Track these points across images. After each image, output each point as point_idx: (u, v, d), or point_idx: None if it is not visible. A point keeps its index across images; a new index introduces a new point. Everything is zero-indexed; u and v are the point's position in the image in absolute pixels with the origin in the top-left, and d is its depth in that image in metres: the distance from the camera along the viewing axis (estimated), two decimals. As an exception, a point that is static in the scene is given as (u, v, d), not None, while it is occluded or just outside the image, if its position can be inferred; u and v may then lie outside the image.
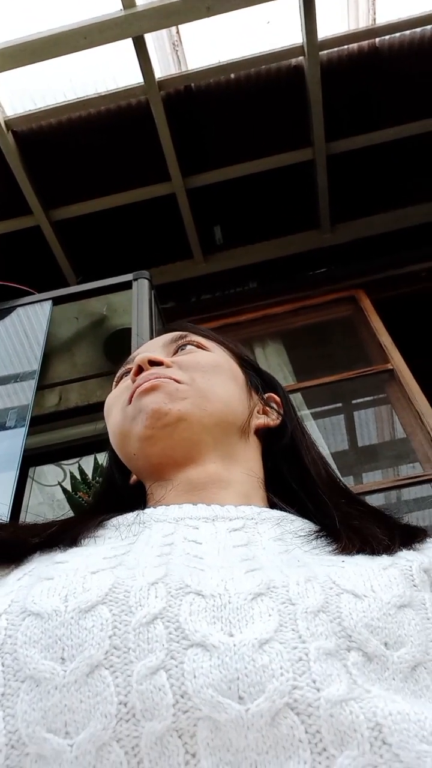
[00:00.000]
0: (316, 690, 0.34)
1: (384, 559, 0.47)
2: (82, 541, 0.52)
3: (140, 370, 0.65)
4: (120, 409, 0.65)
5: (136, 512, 0.56)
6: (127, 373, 0.70)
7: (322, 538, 0.53)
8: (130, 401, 0.63)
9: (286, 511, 0.59)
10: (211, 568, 0.43)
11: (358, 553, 0.49)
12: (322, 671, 0.34)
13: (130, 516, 0.55)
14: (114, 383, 0.73)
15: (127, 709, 0.34)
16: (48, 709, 0.35)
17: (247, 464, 0.64)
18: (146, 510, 0.56)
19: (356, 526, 0.54)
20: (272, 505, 0.62)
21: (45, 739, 0.34)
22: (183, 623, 0.37)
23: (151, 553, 0.45)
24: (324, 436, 2.51)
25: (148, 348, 0.73)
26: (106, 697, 0.34)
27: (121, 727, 0.34)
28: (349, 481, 2.52)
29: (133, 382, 0.65)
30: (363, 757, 0.32)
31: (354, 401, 2.77)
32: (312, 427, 2.41)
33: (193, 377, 0.64)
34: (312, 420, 2.45)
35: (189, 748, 0.33)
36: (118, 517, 0.56)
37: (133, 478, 0.69)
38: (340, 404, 2.76)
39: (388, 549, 0.49)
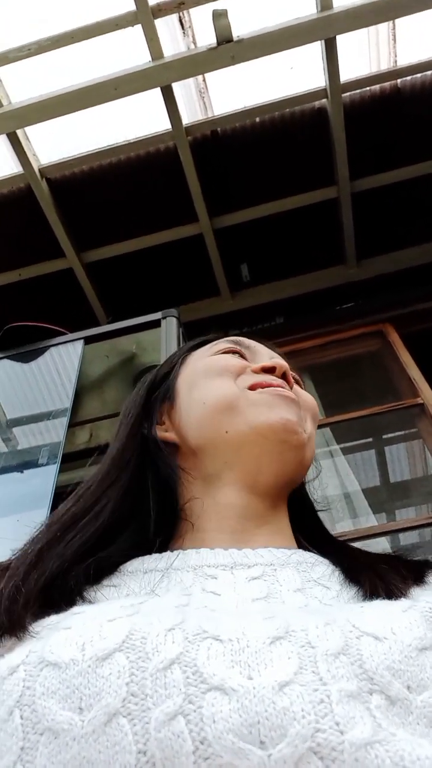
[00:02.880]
0: (340, 733, 0.32)
1: (403, 602, 0.45)
2: (102, 591, 0.51)
3: (272, 370, 0.64)
4: (232, 380, 0.63)
5: (154, 556, 0.55)
6: (236, 353, 0.68)
7: (344, 583, 0.52)
8: (252, 388, 0.62)
9: (308, 551, 0.58)
10: (228, 615, 0.42)
11: (377, 597, 0.48)
12: (345, 713, 0.33)
13: (149, 561, 0.54)
14: (209, 351, 0.69)
15: (146, 758, 0.33)
16: (67, 762, 0.34)
17: (285, 508, 0.63)
18: (164, 554, 0.54)
19: (378, 570, 0.53)
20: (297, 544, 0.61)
21: None
22: (201, 667, 0.36)
23: (169, 603, 0.45)
24: (354, 471, 2.48)
25: (270, 354, 0.71)
26: (124, 746, 0.34)
27: None
28: (381, 519, 2.47)
29: (264, 372, 0.64)
30: None
31: (384, 436, 2.74)
32: (342, 463, 2.38)
33: (307, 420, 0.63)
34: (342, 455, 2.42)
35: None
36: (135, 561, 0.55)
37: (170, 436, 0.65)
38: (370, 439, 2.73)
39: (406, 591, 0.48)
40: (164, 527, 0.60)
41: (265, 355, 0.70)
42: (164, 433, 0.66)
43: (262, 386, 0.61)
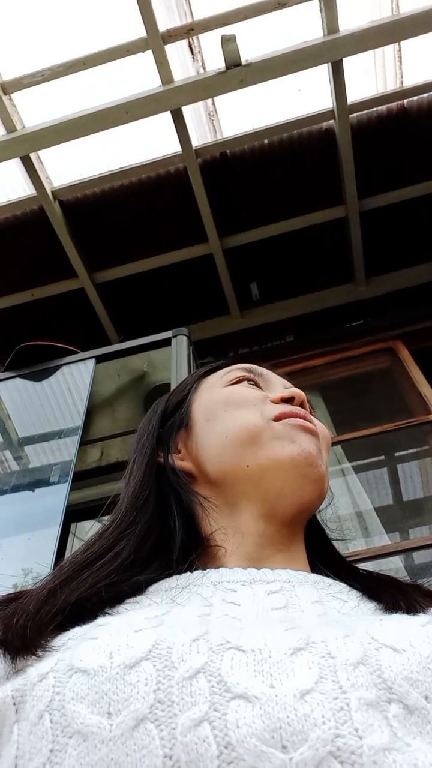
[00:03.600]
0: (359, 738, 0.34)
1: (421, 617, 0.46)
2: (123, 606, 0.52)
3: (290, 400, 0.65)
4: (257, 412, 0.63)
5: (175, 577, 0.55)
6: (250, 381, 0.68)
7: (362, 599, 0.53)
8: (277, 419, 0.62)
9: (323, 574, 0.59)
10: (250, 626, 0.43)
11: (396, 611, 0.49)
12: (363, 720, 0.35)
13: (170, 581, 0.55)
14: (224, 379, 0.69)
15: (172, 761, 0.34)
16: (95, 763, 0.35)
17: (302, 536, 0.64)
18: (182, 575, 0.55)
19: (399, 586, 0.54)
20: (312, 568, 0.62)
21: None
22: (225, 676, 0.37)
23: (191, 614, 0.46)
24: (366, 490, 2.46)
25: (283, 382, 0.71)
26: (151, 750, 0.35)
27: None
28: (395, 538, 2.44)
29: (283, 402, 0.64)
30: None
31: (397, 454, 2.72)
32: (354, 481, 2.37)
33: (323, 451, 0.63)
34: (353, 473, 2.41)
35: None
36: (156, 583, 0.56)
37: (187, 465, 0.65)
38: (382, 457, 2.71)
39: (426, 608, 0.49)
40: (187, 554, 0.60)
41: (278, 383, 0.71)
42: (181, 462, 0.66)
43: (287, 416, 0.62)
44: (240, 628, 0.42)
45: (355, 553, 1.85)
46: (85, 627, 0.46)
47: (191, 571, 0.56)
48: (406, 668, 0.38)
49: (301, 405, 0.66)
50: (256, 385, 0.68)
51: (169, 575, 0.56)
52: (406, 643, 0.40)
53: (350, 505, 2.27)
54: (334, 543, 0.72)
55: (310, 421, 0.63)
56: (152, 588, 0.55)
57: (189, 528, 0.61)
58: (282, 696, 0.36)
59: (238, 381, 0.68)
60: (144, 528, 0.60)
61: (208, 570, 0.55)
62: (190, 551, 0.60)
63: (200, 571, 0.55)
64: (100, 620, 0.47)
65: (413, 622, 0.44)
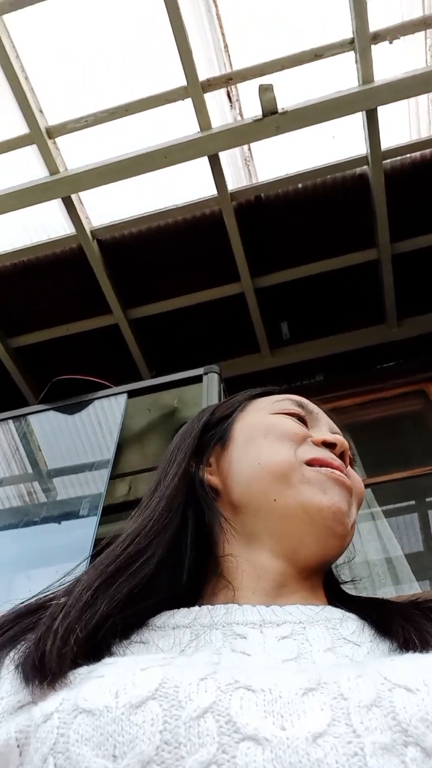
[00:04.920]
0: None
1: None
2: (131, 647, 0.51)
3: (332, 446, 0.63)
4: (292, 450, 0.61)
5: (182, 611, 0.54)
6: (298, 416, 0.66)
7: (375, 638, 0.51)
8: (309, 463, 0.60)
9: (337, 606, 0.57)
10: (260, 669, 0.42)
11: (411, 647, 0.47)
12: (379, 766, 0.33)
13: (177, 616, 0.54)
14: (274, 407, 0.68)
15: None
16: None
17: (321, 580, 0.62)
18: (192, 609, 0.54)
19: (410, 618, 0.52)
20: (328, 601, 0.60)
21: None
22: (234, 716, 0.36)
23: (199, 660, 0.44)
24: (397, 535, 2.41)
25: (330, 425, 0.70)
26: None
27: None
28: (425, 586, 2.37)
29: (324, 446, 0.62)
30: None
31: (428, 499, 2.66)
32: (383, 526, 2.32)
33: (353, 507, 0.62)
34: (383, 518, 2.36)
35: None
36: (163, 615, 0.54)
37: (214, 481, 0.63)
38: (413, 502, 2.65)
39: None
40: (197, 577, 0.58)
41: (325, 425, 0.69)
42: (209, 476, 0.64)
43: (321, 463, 0.60)
44: (250, 669, 0.41)
45: (385, 600, 1.80)
46: (90, 666, 0.45)
47: (199, 605, 0.54)
48: (421, 709, 0.36)
49: (342, 455, 0.64)
50: (303, 422, 0.67)
51: (177, 607, 0.55)
52: (420, 683, 0.38)
53: (380, 550, 2.22)
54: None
55: (347, 475, 0.61)
56: (159, 622, 0.53)
57: (201, 547, 0.60)
58: (294, 739, 0.34)
59: (288, 413, 0.66)
60: (171, 536, 0.58)
61: (216, 606, 0.54)
62: (200, 574, 0.59)
63: (208, 606, 0.54)
64: (107, 659, 0.46)
65: (426, 660, 0.42)
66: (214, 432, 0.68)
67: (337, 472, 0.60)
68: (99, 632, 0.48)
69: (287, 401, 0.69)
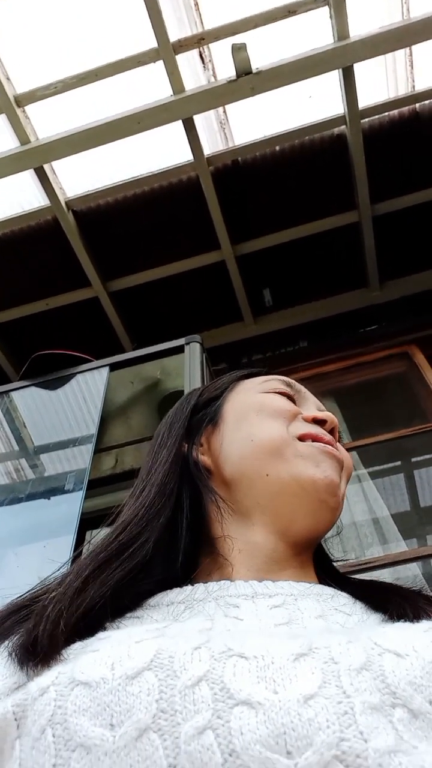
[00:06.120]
0: (364, 741, 0.33)
1: (423, 624, 0.46)
2: (124, 621, 0.52)
3: (322, 423, 0.64)
4: (285, 426, 0.62)
5: (176, 590, 0.55)
6: (288, 396, 0.68)
7: (367, 611, 0.53)
8: (301, 438, 0.61)
9: (329, 585, 0.58)
10: (252, 635, 0.43)
11: (402, 618, 0.49)
12: (368, 724, 0.34)
13: (171, 594, 0.55)
14: (262, 386, 0.69)
15: None
16: None
17: (311, 556, 0.63)
18: (185, 588, 0.55)
19: (403, 593, 0.53)
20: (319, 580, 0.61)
21: None
22: (228, 683, 0.37)
23: (192, 628, 0.45)
24: (383, 496, 2.44)
25: (317, 403, 0.71)
26: (155, 760, 0.35)
27: None
28: (412, 544, 2.42)
29: (314, 422, 0.64)
30: None
31: (413, 459, 2.70)
32: (370, 487, 2.35)
33: (343, 480, 0.63)
34: (370, 480, 2.39)
35: None
36: (157, 596, 0.55)
37: (206, 461, 0.64)
38: (398, 462, 2.69)
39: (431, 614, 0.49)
40: (192, 557, 0.60)
41: (313, 403, 0.70)
42: (202, 456, 0.65)
43: (314, 438, 0.61)
44: (243, 637, 0.42)
45: (372, 560, 1.83)
46: (85, 641, 0.46)
47: (193, 584, 0.55)
48: (409, 673, 0.37)
49: (332, 431, 0.65)
50: (292, 401, 0.68)
51: (171, 587, 0.56)
52: (410, 648, 0.39)
53: (366, 511, 2.25)
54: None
55: (336, 449, 0.62)
56: (153, 601, 0.54)
57: (195, 529, 0.61)
58: (285, 701, 0.35)
59: (276, 392, 0.68)
60: (166, 520, 0.59)
61: (209, 582, 0.55)
62: (195, 555, 0.60)
63: (202, 584, 0.55)
64: (100, 634, 0.47)
65: (415, 628, 0.44)
66: (205, 413, 0.69)
67: (329, 446, 0.61)
68: (90, 614, 0.49)
69: (275, 381, 0.70)
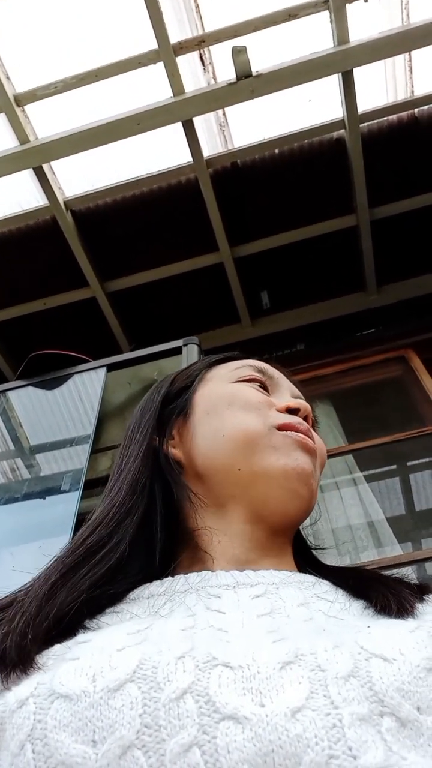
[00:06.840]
0: (353, 758, 0.32)
1: (410, 622, 0.45)
2: (104, 617, 0.51)
3: (295, 411, 0.63)
4: (260, 418, 0.61)
5: (156, 583, 0.54)
6: (259, 383, 0.66)
7: (350, 599, 0.52)
8: (280, 428, 0.60)
9: (310, 574, 0.58)
10: (237, 639, 0.42)
11: (387, 611, 0.48)
12: (357, 738, 0.33)
13: (151, 587, 0.54)
14: (233, 374, 0.67)
15: None
16: None
17: (290, 542, 0.63)
18: (165, 580, 0.54)
19: (388, 584, 0.53)
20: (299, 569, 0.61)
21: None
22: (213, 696, 0.36)
23: (175, 627, 0.44)
24: (378, 499, 2.44)
25: (292, 389, 0.70)
26: None
27: None
28: (407, 548, 2.42)
29: (287, 412, 0.62)
30: None
31: (409, 463, 2.70)
32: (365, 491, 2.35)
33: (317, 469, 0.62)
34: (365, 483, 2.39)
35: None
36: (137, 589, 0.54)
37: (177, 454, 0.62)
38: (394, 466, 2.69)
39: (414, 606, 0.48)
40: (170, 552, 0.58)
41: (287, 389, 0.69)
42: (173, 449, 0.63)
43: (289, 428, 0.60)
44: (226, 641, 0.41)
45: (367, 564, 1.83)
46: (65, 644, 0.45)
47: (173, 576, 0.54)
48: (397, 679, 0.36)
49: (306, 418, 0.64)
50: (264, 388, 0.66)
51: (150, 580, 0.55)
52: (396, 652, 0.38)
53: (362, 515, 2.25)
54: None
55: (312, 439, 0.61)
56: (132, 595, 0.53)
57: (170, 524, 0.59)
58: (273, 716, 0.34)
59: (248, 380, 0.66)
60: (139, 519, 0.57)
61: (190, 574, 0.54)
62: (172, 550, 0.59)
63: (182, 575, 0.54)
64: (80, 636, 0.46)
65: (402, 628, 0.43)
66: (175, 404, 0.67)
67: (303, 436, 0.60)
68: (64, 620, 0.48)
69: (247, 367, 0.68)
